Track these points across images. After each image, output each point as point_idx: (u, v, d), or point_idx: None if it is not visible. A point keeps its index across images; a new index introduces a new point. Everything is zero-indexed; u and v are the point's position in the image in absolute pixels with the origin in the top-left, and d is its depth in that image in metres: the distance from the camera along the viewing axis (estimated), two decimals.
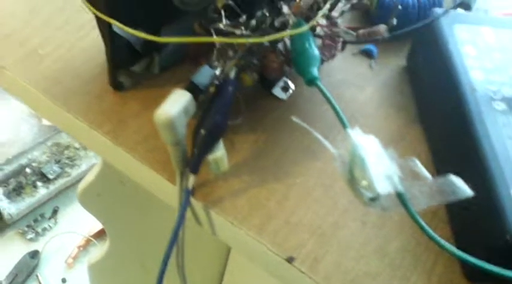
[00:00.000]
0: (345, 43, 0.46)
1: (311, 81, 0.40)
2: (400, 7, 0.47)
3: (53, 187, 1.45)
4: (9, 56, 0.47)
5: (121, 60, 0.43)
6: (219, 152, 0.39)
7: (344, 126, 0.36)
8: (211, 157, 0.38)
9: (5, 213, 1.37)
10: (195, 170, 0.38)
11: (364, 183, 0.32)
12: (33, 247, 1.39)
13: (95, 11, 0.39)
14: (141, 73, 0.46)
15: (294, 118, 0.37)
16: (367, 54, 0.53)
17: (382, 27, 0.46)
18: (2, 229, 1.41)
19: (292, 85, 0.49)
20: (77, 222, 1.44)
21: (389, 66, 0.53)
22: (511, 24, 0.49)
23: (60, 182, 1.46)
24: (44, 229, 1.43)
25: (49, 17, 0.51)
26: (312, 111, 0.48)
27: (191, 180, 0.38)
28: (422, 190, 0.33)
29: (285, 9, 0.45)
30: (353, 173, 0.33)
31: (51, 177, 1.45)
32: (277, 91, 0.48)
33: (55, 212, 1.47)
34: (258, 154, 0.44)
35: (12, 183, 1.43)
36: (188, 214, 0.42)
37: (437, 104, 0.46)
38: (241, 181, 0.42)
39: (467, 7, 0.56)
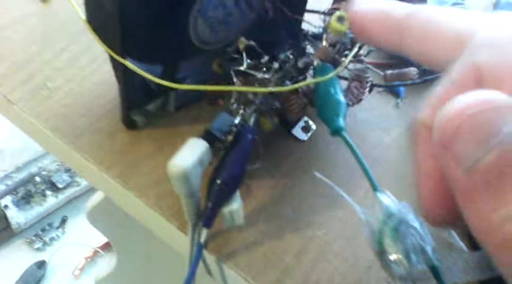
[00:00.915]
0: (372, 86, 0.43)
1: (336, 132, 0.37)
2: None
3: (62, 196, 1.44)
4: (17, 89, 0.44)
5: (135, 98, 0.41)
6: (235, 204, 0.36)
7: (374, 188, 0.33)
8: (226, 209, 0.36)
9: (13, 222, 1.36)
10: (208, 224, 0.35)
11: (394, 256, 0.29)
12: (40, 256, 1.38)
13: (108, 50, 0.37)
14: (155, 111, 0.43)
15: (317, 174, 0.34)
16: (394, 92, 0.50)
17: (412, 71, 0.43)
18: (10, 238, 1.39)
19: (313, 126, 0.46)
20: (85, 232, 1.42)
21: (417, 105, 0.50)
22: None
23: (70, 191, 1.45)
24: (52, 239, 1.42)
25: (60, 49, 0.49)
26: (334, 153, 0.45)
27: (204, 234, 0.36)
28: (457, 263, 0.30)
29: (310, 49, 0.42)
30: (383, 244, 0.30)
31: (60, 186, 1.44)
32: (297, 131, 0.46)
33: (63, 221, 1.45)
34: (276, 201, 0.41)
35: (21, 191, 1.41)
36: (199, 265, 0.39)
37: None
38: (257, 232, 0.39)
39: None
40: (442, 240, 0.31)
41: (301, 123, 0.46)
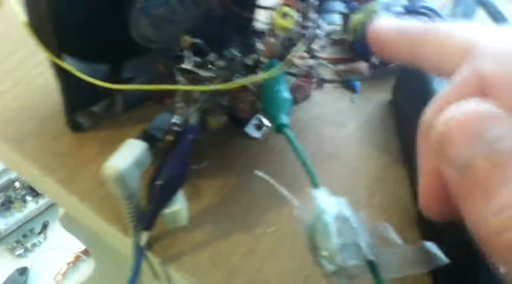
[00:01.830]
0: (321, 82, 0.43)
1: (279, 128, 0.36)
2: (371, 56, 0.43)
3: (42, 201, 1.42)
4: None
5: (78, 99, 0.40)
6: (177, 205, 0.35)
7: (314, 184, 0.33)
8: (167, 210, 0.35)
9: None
10: (148, 227, 0.35)
11: (325, 253, 0.28)
12: (22, 263, 1.37)
13: (45, 50, 0.36)
14: (102, 112, 0.43)
15: (257, 173, 0.34)
16: (349, 87, 0.50)
17: (362, 66, 0.42)
18: None
19: (267, 123, 0.46)
20: (66, 237, 1.40)
21: (373, 100, 0.50)
22: None
23: None
24: (34, 245, 1.40)
25: (8, 52, 0.48)
26: (287, 151, 0.44)
27: (144, 237, 0.35)
28: (393, 258, 0.30)
29: (259, 45, 0.42)
30: (315, 241, 0.29)
31: (40, 191, 1.42)
32: (250, 129, 0.45)
33: (45, 227, 1.44)
34: (224, 201, 0.41)
35: (1, 197, 1.40)
36: (145, 267, 0.39)
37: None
38: (204, 233, 0.38)
39: None
40: (378, 236, 0.30)
41: (254, 121, 0.45)
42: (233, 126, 0.45)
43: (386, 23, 0.28)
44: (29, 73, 0.46)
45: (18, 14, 0.38)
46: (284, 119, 0.36)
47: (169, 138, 0.35)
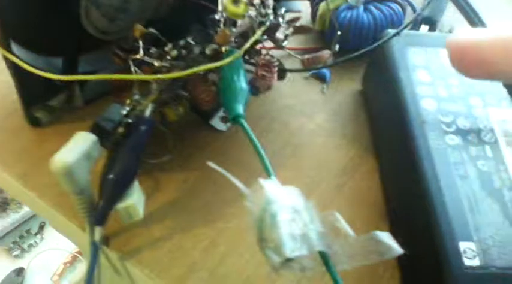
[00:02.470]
0: (283, 71, 0.42)
1: (235, 119, 0.35)
2: (339, 32, 0.42)
3: None
4: None
5: (35, 93, 0.40)
6: (130, 200, 0.35)
7: (268, 174, 0.32)
8: (120, 205, 0.34)
9: None
10: (101, 222, 0.34)
11: (271, 244, 0.27)
12: (18, 264, 1.37)
13: None
14: (61, 107, 0.42)
15: (210, 163, 0.33)
16: (319, 78, 0.49)
17: (325, 53, 0.41)
18: None
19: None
20: (63, 238, 1.40)
21: (344, 90, 0.49)
22: None
23: None
24: (30, 246, 1.40)
25: None
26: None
27: (98, 232, 0.34)
28: (343, 248, 0.29)
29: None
30: (262, 232, 0.28)
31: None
32: (215, 122, 0.44)
33: (41, 227, 1.44)
34: (186, 195, 0.40)
35: None
36: (105, 263, 0.38)
37: (387, 135, 0.42)
38: (164, 228, 0.38)
39: (432, 23, 0.52)
40: (329, 226, 0.29)
41: (220, 113, 0.44)
42: (198, 119, 0.44)
43: (481, 39, 0.24)
44: None
45: None
46: (239, 109, 0.36)
47: (120, 130, 0.34)
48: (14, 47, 0.36)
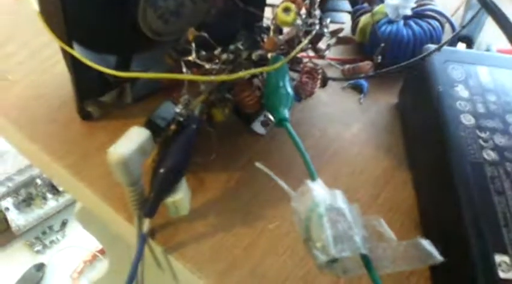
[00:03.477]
0: (326, 79, 0.43)
1: (280, 122, 0.37)
2: (382, 44, 0.43)
3: (62, 199, 1.45)
4: None
5: (89, 89, 0.42)
6: (179, 194, 0.36)
7: (312, 176, 0.33)
8: (169, 199, 0.36)
9: (13, 224, 1.38)
10: (150, 214, 0.36)
11: (318, 244, 0.29)
12: (39, 259, 1.39)
13: (56, 38, 0.37)
14: (112, 102, 0.44)
15: (257, 164, 0.34)
16: (357, 88, 0.50)
17: (367, 65, 0.43)
18: (10, 240, 1.41)
19: (273, 120, 0.46)
20: (84, 236, 1.42)
21: (380, 102, 0.50)
22: (511, 64, 0.45)
23: (70, 195, 1.46)
24: (52, 242, 1.43)
25: (23, 42, 0.50)
26: (292, 147, 0.45)
27: (146, 224, 0.36)
28: (386, 253, 0.30)
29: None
30: (309, 232, 0.30)
31: (61, 189, 1.45)
32: (256, 126, 0.46)
33: (64, 224, 1.46)
34: (228, 194, 0.41)
35: (23, 193, 1.43)
36: (149, 256, 0.39)
37: (424, 149, 0.43)
38: (207, 224, 0.39)
39: (469, 41, 0.53)
40: (372, 230, 0.30)
41: (261, 117, 0.46)
42: (240, 122, 0.45)
43: None
44: (43, 63, 0.48)
45: (31, 2, 0.39)
46: (285, 113, 0.37)
47: (173, 127, 0.36)
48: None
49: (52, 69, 0.47)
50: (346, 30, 0.54)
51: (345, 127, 0.47)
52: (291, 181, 0.33)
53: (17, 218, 1.38)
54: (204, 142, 0.42)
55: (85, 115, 0.43)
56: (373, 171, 0.45)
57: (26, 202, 1.42)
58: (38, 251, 1.40)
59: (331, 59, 0.48)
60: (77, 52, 0.38)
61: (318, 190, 0.31)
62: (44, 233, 1.44)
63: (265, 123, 0.46)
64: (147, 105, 0.45)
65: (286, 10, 0.38)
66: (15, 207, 1.40)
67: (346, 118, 0.48)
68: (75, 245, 1.42)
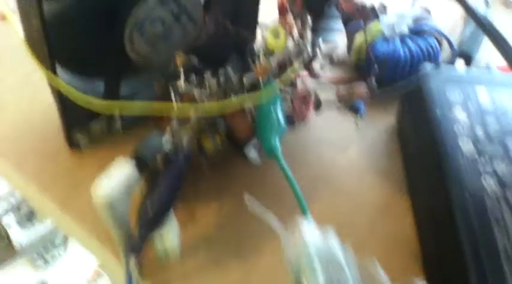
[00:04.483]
0: (319, 103, 0.42)
1: (269, 152, 0.36)
2: (376, 67, 0.42)
3: None
4: None
5: (76, 117, 0.40)
6: (171, 240, 0.35)
7: (303, 212, 0.32)
8: (159, 244, 0.35)
9: (15, 240, 1.37)
10: (137, 251, 0.34)
11: None
12: (41, 275, 1.38)
13: (40, 66, 0.36)
14: (101, 130, 0.43)
15: (248, 199, 0.33)
16: (353, 109, 0.49)
17: (362, 87, 0.42)
18: (11, 256, 1.40)
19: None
20: (87, 252, 1.41)
21: (378, 123, 0.49)
22: (510, 82, 0.44)
23: None
24: (54, 257, 1.42)
25: (12, 67, 0.49)
26: None
27: (133, 260, 0.34)
28: None
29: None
30: (299, 275, 0.28)
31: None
32: (250, 151, 0.44)
33: (65, 240, 1.45)
34: (219, 225, 0.40)
35: (24, 208, 1.42)
36: None
37: (422, 176, 0.42)
38: (196, 258, 0.38)
39: (467, 58, 0.51)
40: (366, 273, 0.29)
41: (254, 142, 0.45)
42: (232, 147, 0.44)
43: None
44: (31, 90, 0.46)
45: (16, 29, 0.38)
46: (275, 142, 0.36)
47: (160, 161, 0.35)
48: (58, 68, 0.37)
49: (41, 96, 0.45)
50: (343, 49, 0.53)
51: (341, 151, 0.46)
52: (283, 211, 0.32)
53: (18, 234, 1.38)
54: (195, 170, 0.40)
55: (73, 144, 0.42)
56: (371, 199, 0.43)
57: (27, 217, 1.41)
58: (39, 267, 1.39)
59: (326, 78, 0.47)
60: (62, 76, 0.37)
61: (308, 230, 0.29)
62: (45, 248, 1.43)
63: (258, 146, 0.45)
64: (137, 131, 0.44)
65: (276, 34, 0.36)
66: (17, 222, 1.39)
67: (342, 142, 0.47)
68: (77, 261, 1.41)
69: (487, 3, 0.57)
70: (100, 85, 0.42)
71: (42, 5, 0.31)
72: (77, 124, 0.41)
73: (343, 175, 0.44)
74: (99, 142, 0.43)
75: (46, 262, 1.40)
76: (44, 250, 1.42)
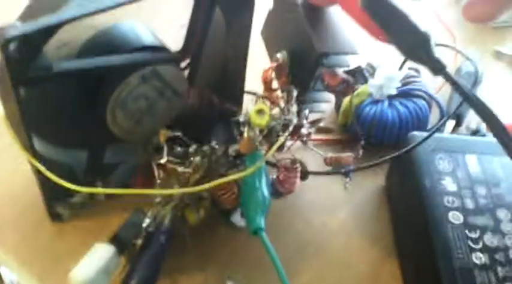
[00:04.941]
0: (306, 174, 0.41)
1: (255, 232, 0.35)
2: (362, 139, 0.42)
3: None
4: None
5: (57, 189, 0.39)
6: None
7: None
8: None
9: (7, 280, 1.35)
10: None
11: None
12: None
13: (17, 142, 0.35)
14: (84, 201, 0.42)
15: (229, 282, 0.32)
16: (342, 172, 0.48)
17: (349, 158, 0.41)
18: None
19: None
20: None
21: (367, 185, 0.48)
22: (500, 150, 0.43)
23: None
24: None
25: None
26: (276, 240, 0.43)
27: None
28: None
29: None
30: None
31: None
32: (236, 218, 0.44)
33: None
34: None
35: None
36: None
37: (411, 244, 0.41)
38: None
39: (458, 119, 0.51)
40: None
41: (240, 210, 0.44)
42: (217, 216, 0.43)
43: None
44: (12, 161, 0.45)
45: None
46: (260, 222, 0.35)
47: (140, 242, 0.34)
48: (37, 139, 0.37)
49: (22, 167, 0.44)
50: (331, 110, 0.52)
51: (330, 216, 0.45)
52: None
53: (9, 273, 1.36)
54: (179, 241, 0.40)
55: (55, 217, 0.41)
56: (360, 265, 0.42)
57: None
58: None
59: (315, 140, 0.46)
60: (42, 146, 0.37)
61: None
62: None
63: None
64: (120, 201, 0.43)
65: (260, 112, 0.36)
66: None
67: (332, 205, 0.46)
68: None
69: (477, 56, 0.57)
70: (82, 154, 0.41)
71: (19, 91, 0.30)
72: (58, 196, 0.41)
73: (332, 240, 0.44)
74: (82, 213, 0.42)
75: None
76: None
